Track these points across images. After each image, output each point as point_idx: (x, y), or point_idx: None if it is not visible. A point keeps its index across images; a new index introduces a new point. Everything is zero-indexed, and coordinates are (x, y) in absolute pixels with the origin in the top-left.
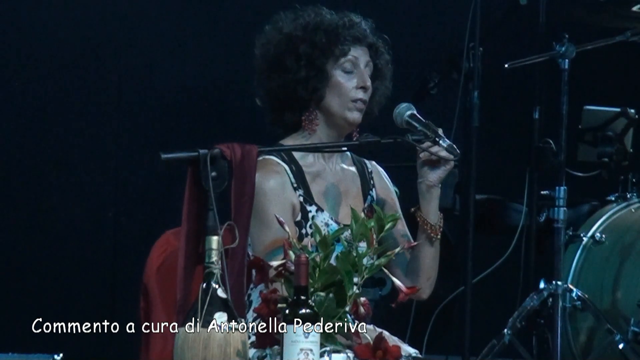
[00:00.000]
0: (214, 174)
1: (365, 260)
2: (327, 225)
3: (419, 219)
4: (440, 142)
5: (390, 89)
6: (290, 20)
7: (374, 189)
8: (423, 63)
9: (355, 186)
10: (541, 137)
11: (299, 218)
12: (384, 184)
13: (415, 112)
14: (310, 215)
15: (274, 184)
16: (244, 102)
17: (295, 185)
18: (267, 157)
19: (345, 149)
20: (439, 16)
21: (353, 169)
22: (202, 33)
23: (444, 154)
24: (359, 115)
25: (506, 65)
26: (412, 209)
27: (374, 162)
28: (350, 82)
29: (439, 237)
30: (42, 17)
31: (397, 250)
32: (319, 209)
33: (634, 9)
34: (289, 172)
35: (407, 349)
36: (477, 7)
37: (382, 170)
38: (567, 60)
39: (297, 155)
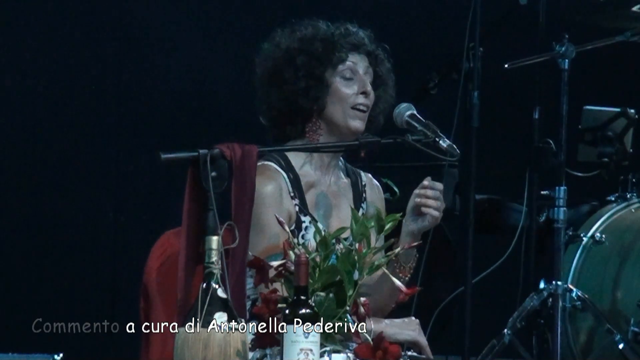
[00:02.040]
0: (214, 174)
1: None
2: None
3: (393, 256)
4: (440, 142)
5: (394, 97)
6: (287, 34)
7: (365, 202)
8: (423, 63)
9: (347, 199)
10: (541, 137)
11: (292, 227)
12: (375, 197)
13: (415, 112)
14: (303, 225)
15: (271, 189)
16: (244, 102)
17: (292, 194)
18: (265, 163)
19: (339, 150)
20: (439, 16)
21: (346, 180)
22: (203, 33)
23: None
24: (361, 123)
25: (506, 65)
26: (392, 240)
27: (369, 175)
28: (351, 88)
29: (407, 278)
30: (42, 16)
31: (397, 250)
32: (313, 220)
33: (634, 9)
34: (286, 179)
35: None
36: (477, 7)
37: (377, 184)
38: (567, 60)
39: (295, 164)
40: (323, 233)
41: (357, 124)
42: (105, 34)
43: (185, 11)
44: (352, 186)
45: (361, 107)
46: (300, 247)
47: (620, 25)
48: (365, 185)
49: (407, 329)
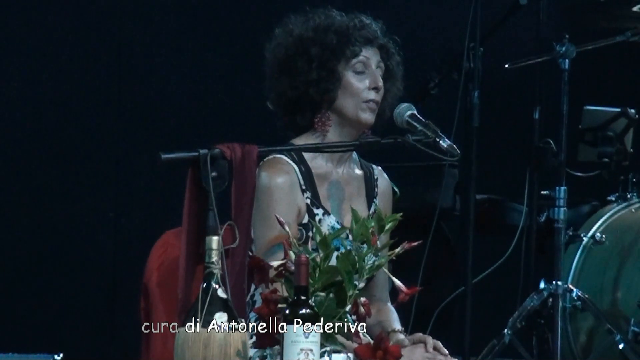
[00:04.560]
0: (214, 174)
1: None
2: (333, 228)
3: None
4: (441, 142)
5: (401, 90)
6: (300, 22)
7: (377, 197)
8: (423, 63)
9: (360, 192)
10: (541, 137)
11: (305, 220)
12: (385, 190)
13: (415, 112)
14: (317, 218)
15: (281, 182)
16: (244, 102)
17: (303, 187)
18: (277, 156)
19: (341, 150)
20: (439, 16)
21: (360, 172)
22: (203, 33)
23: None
24: (372, 115)
25: (506, 65)
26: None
27: (380, 168)
28: (362, 83)
29: None
30: (42, 16)
31: (397, 250)
32: (326, 212)
33: (634, 9)
34: (298, 172)
35: None
36: (477, 7)
37: (387, 178)
38: (567, 60)
39: (307, 156)
40: (326, 231)
41: (368, 116)
42: (106, 34)
43: (185, 11)
44: (365, 180)
45: (372, 104)
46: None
47: (620, 25)
48: (377, 179)
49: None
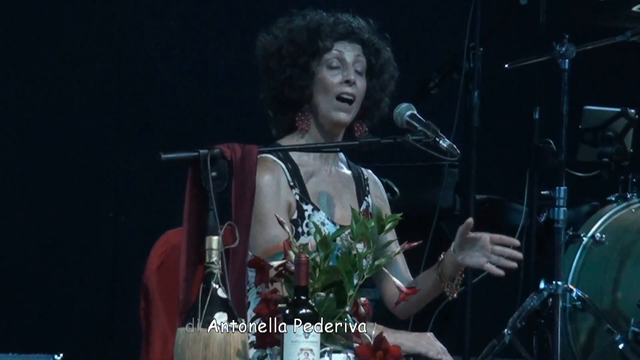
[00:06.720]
0: (214, 174)
1: (364, 262)
2: (323, 224)
3: (440, 277)
4: (441, 142)
5: (392, 85)
6: (282, 24)
7: (369, 196)
8: (423, 63)
9: (349, 189)
10: (541, 137)
11: (295, 216)
12: (379, 192)
13: (415, 112)
14: (306, 214)
15: (268, 180)
16: (243, 102)
17: (291, 183)
18: (263, 155)
19: (339, 150)
20: (439, 16)
21: (348, 172)
22: (202, 32)
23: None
24: (345, 115)
25: (506, 65)
26: (441, 256)
27: (369, 170)
28: (335, 77)
29: (454, 296)
30: (42, 16)
31: (397, 250)
32: (315, 208)
33: (634, 9)
34: (285, 170)
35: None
36: (477, 7)
37: (377, 179)
38: (567, 60)
39: (293, 154)
40: (322, 228)
41: (342, 116)
42: (106, 34)
43: (186, 11)
44: (355, 179)
45: (345, 97)
46: (306, 235)
47: (620, 25)
48: (367, 179)
49: (412, 340)
